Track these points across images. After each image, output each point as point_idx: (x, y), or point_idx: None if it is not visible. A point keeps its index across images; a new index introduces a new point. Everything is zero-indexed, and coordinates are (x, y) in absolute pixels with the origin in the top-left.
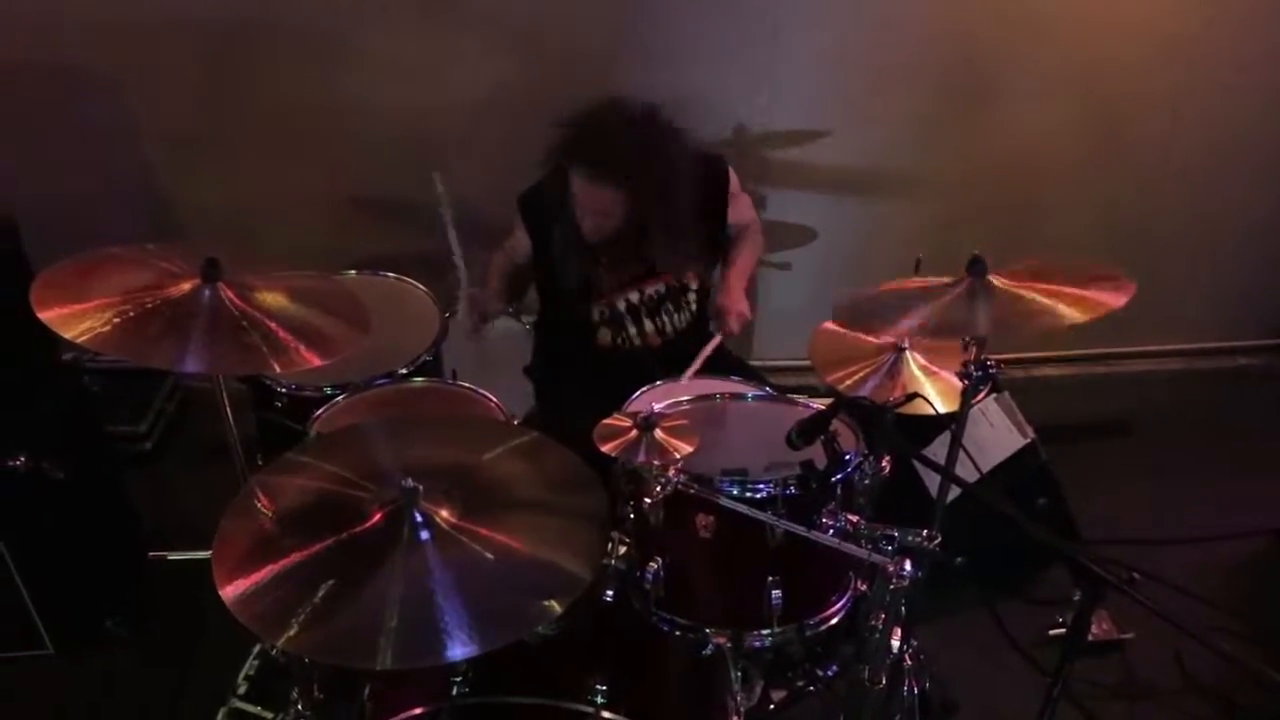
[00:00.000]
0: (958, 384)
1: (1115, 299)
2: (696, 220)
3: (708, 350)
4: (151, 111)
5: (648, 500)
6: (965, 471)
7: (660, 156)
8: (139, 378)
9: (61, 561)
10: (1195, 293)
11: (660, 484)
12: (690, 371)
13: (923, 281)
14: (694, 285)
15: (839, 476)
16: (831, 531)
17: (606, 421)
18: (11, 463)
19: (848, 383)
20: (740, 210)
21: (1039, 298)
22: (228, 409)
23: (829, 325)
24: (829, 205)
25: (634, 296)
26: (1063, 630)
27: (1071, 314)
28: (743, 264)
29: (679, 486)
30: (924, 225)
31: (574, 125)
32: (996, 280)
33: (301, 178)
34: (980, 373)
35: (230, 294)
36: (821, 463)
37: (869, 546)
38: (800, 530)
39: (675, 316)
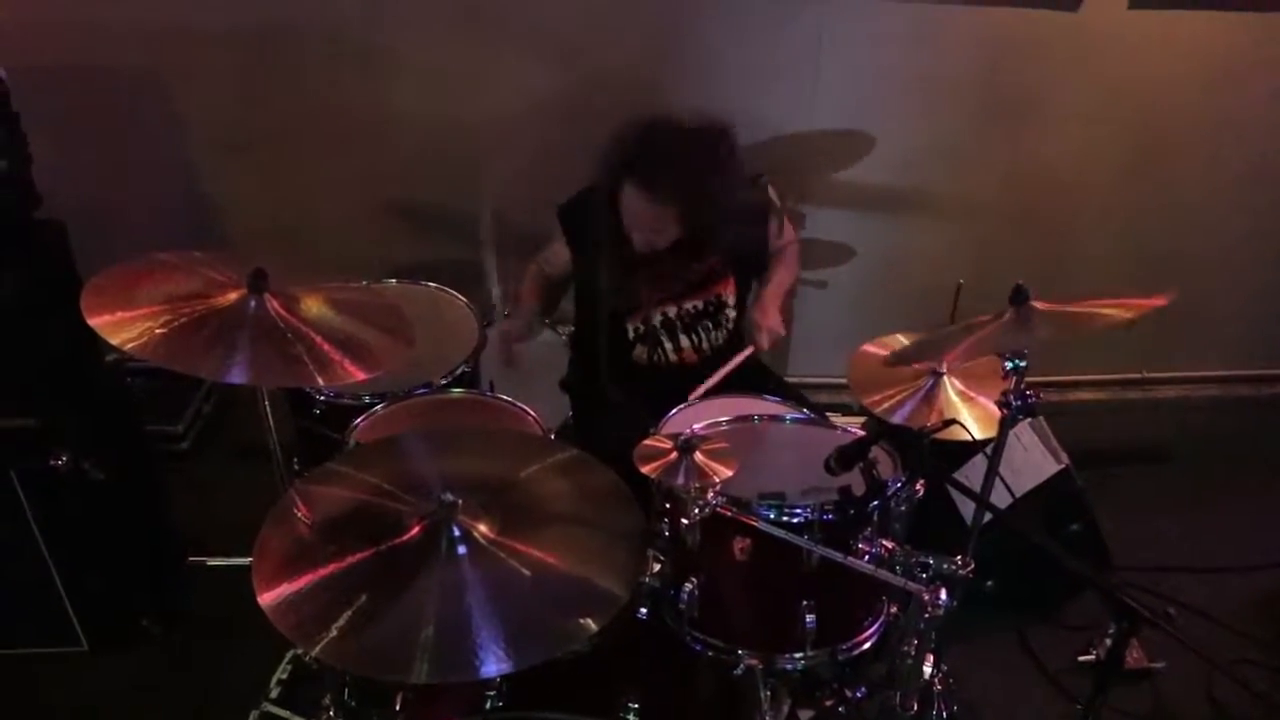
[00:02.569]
0: (994, 409)
1: (1159, 300)
2: (736, 237)
3: (737, 361)
4: (197, 117)
5: (685, 521)
6: (999, 495)
7: (716, 177)
8: (177, 378)
9: (99, 560)
10: (1233, 318)
11: (698, 506)
12: (713, 380)
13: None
14: (731, 301)
15: (876, 503)
16: (867, 557)
17: (647, 442)
18: (53, 462)
19: (885, 405)
20: (778, 229)
21: (1084, 309)
22: (270, 418)
23: (868, 348)
24: (867, 223)
25: (670, 311)
26: (1092, 657)
27: (1120, 314)
28: (779, 281)
29: (717, 509)
30: (961, 244)
31: (632, 139)
32: (1039, 305)
33: (342, 185)
34: (1020, 402)
35: (276, 305)
36: (859, 488)
37: (904, 573)
38: (837, 556)
39: (713, 334)
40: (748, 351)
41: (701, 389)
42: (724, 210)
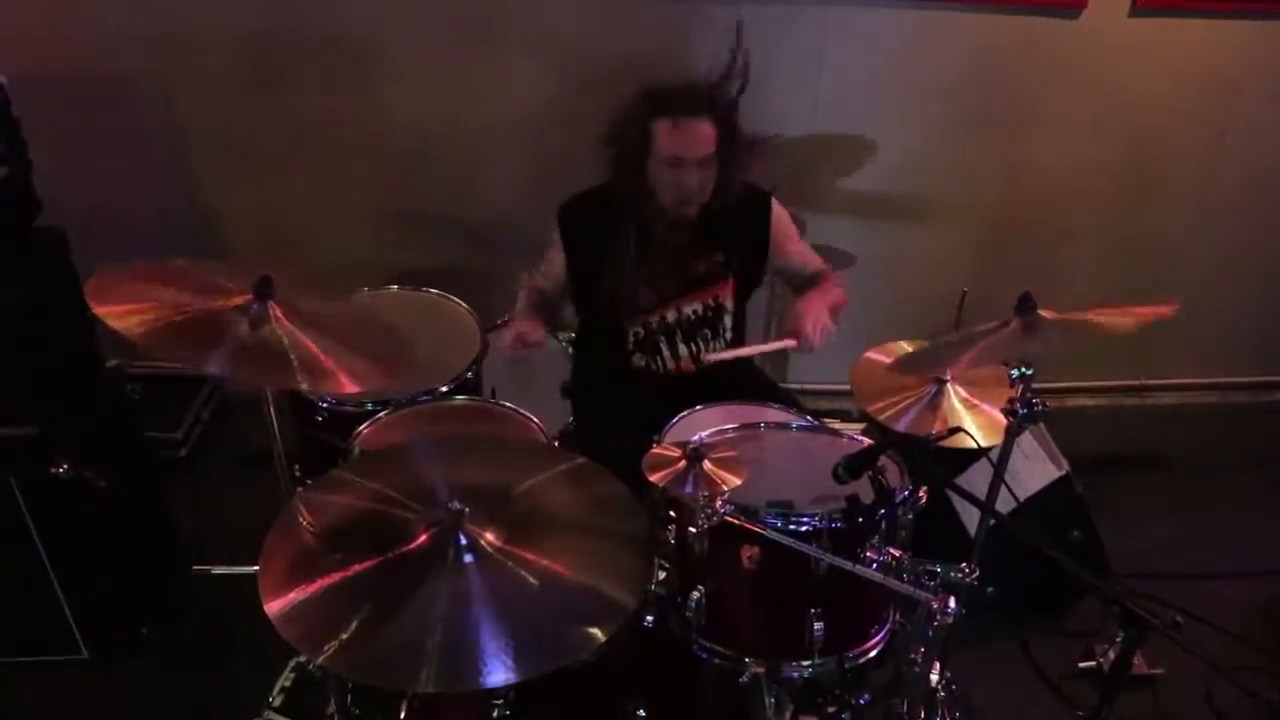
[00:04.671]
0: (997, 417)
1: (1163, 310)
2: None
3: (773, 345)
4: (197, 125)
5: (692, 530)
6: (1002, 502)
7: (734, 88)
8: (176, 384)
9: (100, 568)
10: (1230, 326)
11: (706, 515)
12: (743, 351)
13: (971, 331)
14: (730, 307)
15: (884, 511)
16: (875, 565)
17: (655, 450)
18: (54, 470)
19: (889, 413)
20: (799, 252)
21: (1089, 318)
22: (274, 423)
23: (871, 355)
24: (867, 229)
25: (670, 315)
26: (1093, 664)
27: (1124, 323)
28: (827, 290)
29: (725, 518)
30: (961, 251)
31: (642, 95)
32: (1045, 313)
33: (344, 192)
34: (1025, 410)
35: (279, 313)
36: (867, 496)
37: (911, 581)
38: (845, 564)
39: (711, 344)
40: (789, 343)
41: (727, 354)
42: (745, 140)
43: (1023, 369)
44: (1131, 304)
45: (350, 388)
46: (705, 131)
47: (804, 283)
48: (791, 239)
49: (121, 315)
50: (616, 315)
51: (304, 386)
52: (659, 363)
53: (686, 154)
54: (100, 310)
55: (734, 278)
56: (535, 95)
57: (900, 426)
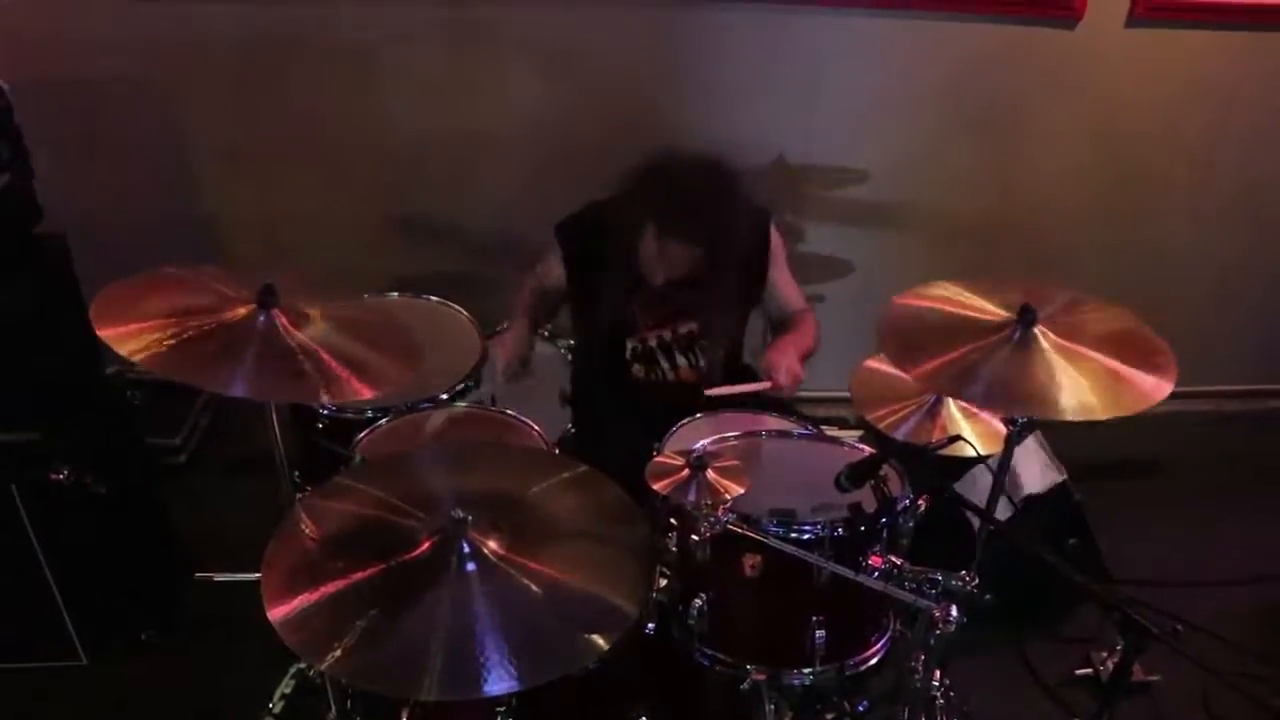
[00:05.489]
0: (995, 425)
1: (1156, 389)
2: (737, 272)
3: (754, 386)
4: (197, 131)
5: (695, 538)
6: (999, 509)
7: (734, 214)
8: (176, 390)
9: (99, 573)
10: (1226, 335)
11: (709, 523)
12: (726, 390)
13: (970, 304)
14: (725, 330)
15: (886, 519)
16: (876, 574)
17: (659, 459)
18: (54, 476)
19: (888, 421)
20: (785, 286)
21: (1079, 379)
22: (276, 431)
23: (870, 363)
24: (864, 238)
25: (666, 334)
26: (1090, 670)
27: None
28: (802, 334)
29: (728, 526)
30: (956, 261)
31: (651, 186)
32: (1042, 334)
33: (344, 199)
34: (1025, 418)
35: (285, 321)
36: (869, 505)
37: (913, 590)
38: (848, 573)
39: (710, 353)
40: (766, 385)
41: (716, 391)
42: (733, 245)
43: None
44: (1127, 354)
45: (366, 393)
46: (687, 256)
47: (783, 321)
48: (780, 268)
49: (126, 338)
50: (613, 334)
51: (325, 399)
52: (659, 373)
53: (661, 270)
54: (105, 334)
55: (731, 301)
56: (535, 101)
57: (899, 435)
